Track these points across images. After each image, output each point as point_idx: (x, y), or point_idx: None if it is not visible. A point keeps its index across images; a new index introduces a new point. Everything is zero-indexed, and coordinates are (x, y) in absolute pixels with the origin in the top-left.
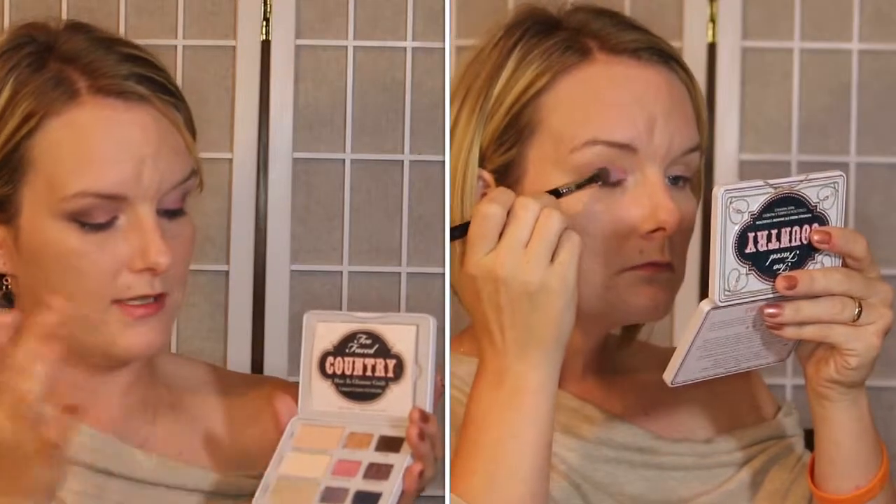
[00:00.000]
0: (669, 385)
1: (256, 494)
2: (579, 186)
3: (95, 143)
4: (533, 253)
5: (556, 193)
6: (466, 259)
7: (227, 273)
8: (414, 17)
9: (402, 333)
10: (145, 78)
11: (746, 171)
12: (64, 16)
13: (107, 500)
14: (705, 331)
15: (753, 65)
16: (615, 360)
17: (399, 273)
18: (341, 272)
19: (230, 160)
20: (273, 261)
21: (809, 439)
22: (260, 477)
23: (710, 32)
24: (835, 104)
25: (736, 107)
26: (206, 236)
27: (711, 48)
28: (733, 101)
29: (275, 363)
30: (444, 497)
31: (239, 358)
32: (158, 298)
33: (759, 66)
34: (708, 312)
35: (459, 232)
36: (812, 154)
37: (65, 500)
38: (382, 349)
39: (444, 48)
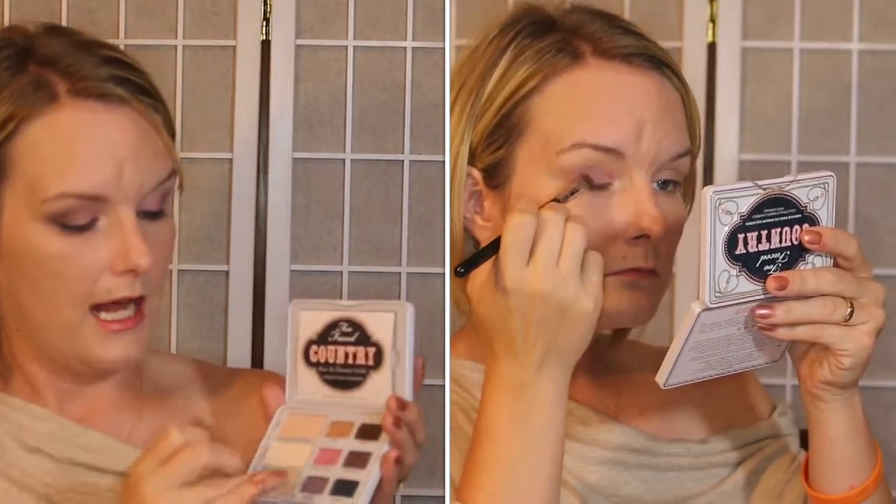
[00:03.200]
0: (662, 387)
1: None
2: (573, 192)
3: (76, 145)
4: (567, 269)
5: (556, 202)
6: (503, 271)
7: (227, 273)
8: (414, 17)
9: (380, 321)
10: (124, 80)
11: (746, 171)
12: (64, 16)
13: (100, 498)
14: (696, 332)
15: (753, 65)
16: (607, 360)
17: (399, 273)
18: (341, 272)
19: (230, 160)
20: (273, 261)
21: (805, 439)
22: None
23: (710, 32)
24: (835, 104)
25: (736, 107)
26: (206, 236)
27: (711, 48)
28: (733, 101)
29: (275, 363)
30: (444, 497)
31: (239, 358)
32: (138, 308)
33: (759, 66)
34: (699, 314)
35: (466, 267)
36: (812, 154)
37: (54, 499)
38: (363, 337)
39: (444, 48)
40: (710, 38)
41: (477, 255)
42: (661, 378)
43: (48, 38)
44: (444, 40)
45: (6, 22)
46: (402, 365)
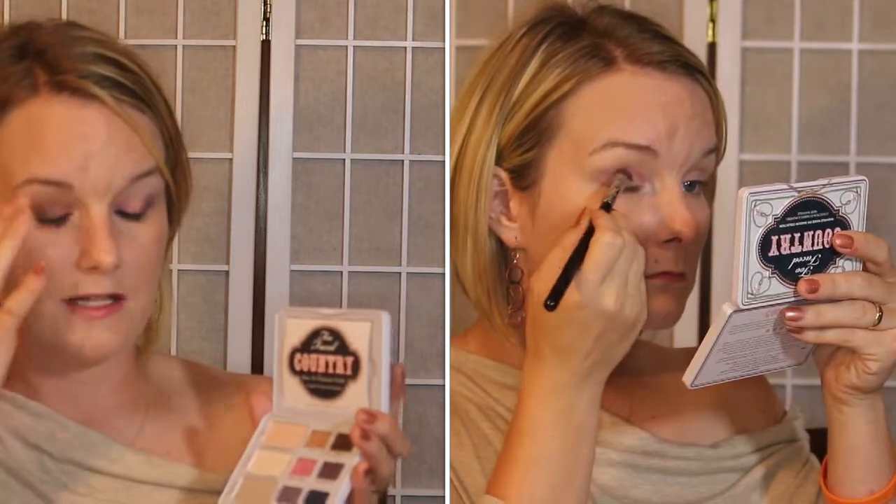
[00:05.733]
0: (689, 387)
1: (223, 493)
2: (618, 191)
3: (43, 135)
4: (636, 290)
5: (606, 207)
6: (582, 285)
7: (227, 273)
8: (414, 17)
9: (358, 330)
10: (107, 78)
11: (746, 171)
12: (64, 16)
13: (97, 499)
14: (726, 333)
15: (753, 65)
16: (621, 362)
17: (399, 273)
18: (341, 272)
19: (230, 160)
20: (273, 261)
21: (812, 441)
22: None
23: (710, 32)
24: (835, 104)
25: (736, 107)
26: (206, 236)
27: (711, 48)
28: (733, 101)
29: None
30: (444, 497)
31: (239, 358)
32: (115, 300)
33: (759, 66)
34: (730, 315)
35: (556, 299)
36: (812, 154)
37: (51, 498)
38: (342, 346)
39: (444, 48)
40: (710, 38)
41: (561, 280)
42: (688, 378)
43: (50, 31)
44: (444, 40)
45: (6, 22)
46: (377, 375)
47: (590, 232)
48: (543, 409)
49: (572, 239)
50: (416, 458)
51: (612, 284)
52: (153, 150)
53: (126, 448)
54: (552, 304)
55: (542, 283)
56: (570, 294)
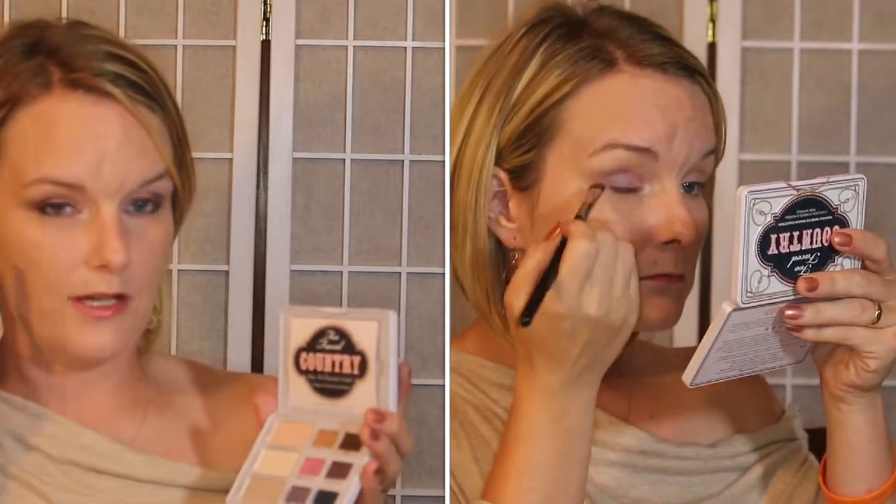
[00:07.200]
0: (689, 386)
1: (230, 493)
2: (590, 207)
3: (57, 133)
4: (622, 293)
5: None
6: (561, 295)
7: (227, 273)
8: (414, 17)
9: (365, 329)
10: (121, 77)
11: (746, 171)
12: (64, 15)
13: (96, 499)
14: (726, 332)
15: (753, 65)
16: (619, 362)
17: (399, 273)
18: (341, 272)
19: (230, 160)
20: (273, 261)
21: (812, 441)
22: None
23: (710, 32)
24: (835, 104)
25: (736, 107)
26: (206, 236)
27: (711, 48)
28: (733, 101)
29: (274, 364)
30: (444, 497)
31: (239, 358)
32: (121, 300)
33: (759, 66)
34: (730, 314)
35: (530, 315)
36: (812, 154)
37: (52, 499)
38: (348, 346)
39: (444, 48)
40: (710, 38)
41: (536, 294)
42: (687, 377)
43: (61, 29)
44: (444, 40)
45: (6, 22)
46: (385, 374)
47: (564, 244)
48: (537, 414)
49: (542, 251)
50: (416, 458)
51: (594, 291)
52: (164, 153)
53: (126, 447)
54: (526, 319)
55: (515, 297)
56: (552, 305)
